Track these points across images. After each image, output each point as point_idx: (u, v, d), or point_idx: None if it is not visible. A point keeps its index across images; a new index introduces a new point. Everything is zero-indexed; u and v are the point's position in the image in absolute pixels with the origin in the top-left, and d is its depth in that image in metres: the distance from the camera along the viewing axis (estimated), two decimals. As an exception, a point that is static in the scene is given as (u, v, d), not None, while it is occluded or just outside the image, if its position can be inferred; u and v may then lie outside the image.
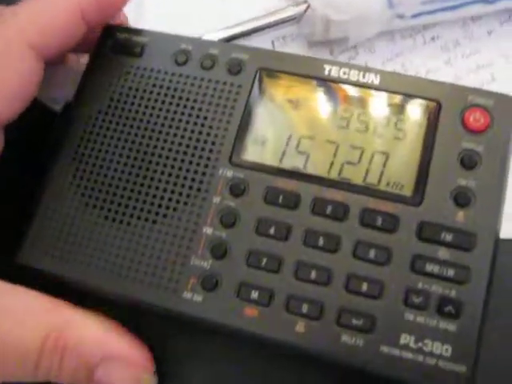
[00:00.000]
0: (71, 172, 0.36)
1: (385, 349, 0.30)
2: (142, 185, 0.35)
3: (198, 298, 0.32)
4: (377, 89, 0.35)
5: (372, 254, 0.32)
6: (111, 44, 0.38)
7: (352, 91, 0.35)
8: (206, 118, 0.35)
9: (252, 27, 0.40)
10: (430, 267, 0.31)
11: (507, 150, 0.33)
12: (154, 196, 0.34)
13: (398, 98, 0.34)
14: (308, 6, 0.39)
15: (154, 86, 0.36)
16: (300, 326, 0.31)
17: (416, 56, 0.41)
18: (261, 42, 0.42)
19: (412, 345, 0.30)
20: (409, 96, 0.34)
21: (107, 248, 0.34)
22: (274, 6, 0.41)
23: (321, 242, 0.32)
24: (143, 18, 0.43)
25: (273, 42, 0.43)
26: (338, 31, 0.39)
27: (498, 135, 0.33)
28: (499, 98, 0.34)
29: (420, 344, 0.30)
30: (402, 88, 0.34)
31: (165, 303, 0.33)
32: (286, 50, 0.42)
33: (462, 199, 0.32)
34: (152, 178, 0.35)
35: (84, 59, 0.41)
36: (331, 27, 0.39)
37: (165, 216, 0.34)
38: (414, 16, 0.39)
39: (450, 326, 0.30)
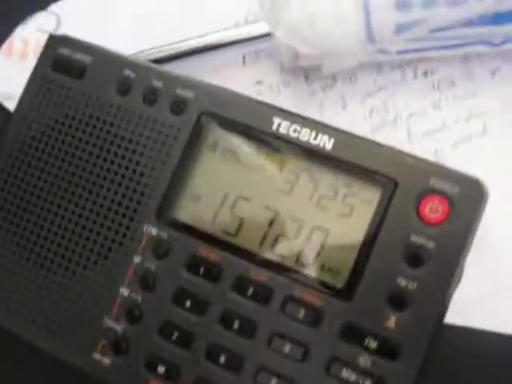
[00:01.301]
0: (-1, 202, 0.34)
1: None
2: (65, 229, 0.33)
3: (107, 361, 0.31)
4: (328, 155, 0.30)
5: (287, 347, 0.29)
6: (52, 59, 0.34)
7: (301, 153, 0.31)
8: (138, 162, 0.32)
9: (212, 42, 0.36)
10: (347, 374, 0.28)
11: (462, 248, 0.28)
12: (77, 244, 0.32)
13: (349, 169, 0.30)
14: (270, 35, 0.34)
15: (90, 117, 0.33)
16: (203, 411, 0.30)
17: (401, 92, 0.35)
18: (230, 55, 0.37)
19: None
20: (362, 168, 0.30)
21: (25, 292, 0.33)
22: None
23: (236, 324, 0.30)
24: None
25: (244, 57, 0.38)
26: (308, 61, 0.34)
27: (454, 230, 0.28)
28: (467, 184, 0.29)
29: None
30: (357, 157, 0.30)
31: (74, 360, 0.32)
32: (257, 68, 0.37)
33: (397, 302, 0.28)
34: (76, 224, 0.32)
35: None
36: (300, 58, 0.34)
37: (84, 268, 0.32)
38: (400, 52, 0.33)
39: None
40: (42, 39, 0.38)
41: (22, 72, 0.40)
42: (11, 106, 0.40)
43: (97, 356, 0.31)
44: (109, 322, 0.31)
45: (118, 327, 0.31)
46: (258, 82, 0.37)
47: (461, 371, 0.33)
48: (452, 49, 0.33)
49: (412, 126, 0.35)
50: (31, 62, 0.39)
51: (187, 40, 0.37)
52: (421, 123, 0.35)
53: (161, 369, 0.30)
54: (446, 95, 0.35)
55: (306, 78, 0.37)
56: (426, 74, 0.36)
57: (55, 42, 0.35)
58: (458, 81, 0.35)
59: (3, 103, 0.40)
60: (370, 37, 0.32)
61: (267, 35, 0.34)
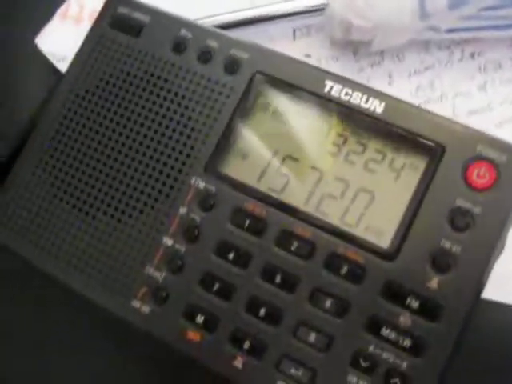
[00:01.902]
0: (49, 151, 0.35)
1: (319, 406, 0.29)
2: (114, 178, 0.33)
3: (146, 309, 0.31)
4: (378, 118, 0.31)
5: (328, 303, 0.29)
6: (111, 18, 0.36)
7: (351, 115, 0.31)
8: (190, 117, 0.33)
9: (265, 13, 0.37)
10: (387, 332, 0.29)
11: (507, 215, 0.29)
12: (124, 193, 0.33)
13: (398, 133, 0.30)
14: (326, 6, 0.34)
15: (145, 72, 0.34)
16: (238, 362, 0.30)
17: (448, 73, 0.36)
18: (281, 28, 0.38)
19: (348, 409, 0.28)
20: (411, 133, 0.30)
21: (69, 238, 0.33)
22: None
23: (278, 278, 0.30)
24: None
25: (294, 31, 0.39)
26: (359, 35, 0.35)
27: (500, 197, 0.29)
28: (515, 152, 0.29)
29: (357, 410, 0.28)
30: (406, 122, 0.30)
31: (112, 307, 0.32)
32: (307, 43, 0.38)
33: (440, 264, 0.29)
34: (125, 173, 0.33)
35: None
36: (352, 30, 0.35)
37: (130, 216, 0.33)
38: (450, 31, 0.34)
39: (393, 400, 0.28)
40: (98, 5, 0.39)
41: (76, 36, 0.41)
42: (63, 68, 0.41)
43: (136, 304, 0.32)
44: (150, 271, 0.32)
45: (159, 276, 0.32)
46: (307, 55, 0.38)
47: (495, 347, 0.33)
48: (501, 29, 0.34)
49: (457, 105, 0.35)
50: (86, 26, 0.40)
51: (239, 11, 0.38)
52: (466, 103, 0.36)
53: (199, 319, 0.31)
54: (492, 78, 0.36)
55: (355, 54, 0.38)
56: (473, 55, 0.36)
57: (113, 1, 0.36)
58: (505, 64, 0.36)
59: (56, 65, 0.41)
60: (423, 10, 0.33)
61: (322, 8, 0.35)
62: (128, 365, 0.36)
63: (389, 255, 0.29)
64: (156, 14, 0.35)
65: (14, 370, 0.37)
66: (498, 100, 0.35)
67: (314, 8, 0.36)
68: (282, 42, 0.39)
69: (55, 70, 0.41)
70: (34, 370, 0.36)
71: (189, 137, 0.33)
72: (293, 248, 0.30)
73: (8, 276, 0.38)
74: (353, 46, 0.38)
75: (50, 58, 0.41)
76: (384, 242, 0.30)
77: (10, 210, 0.34)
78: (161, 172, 0.33)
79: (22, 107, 0.41)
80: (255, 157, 0.32)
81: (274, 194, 0.31)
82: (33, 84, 0.42)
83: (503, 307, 0.34)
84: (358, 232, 0.30)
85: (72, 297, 0.32)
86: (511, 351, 0.34)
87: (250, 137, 0.32)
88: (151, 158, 0.33)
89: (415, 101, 0.36)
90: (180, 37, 0.34)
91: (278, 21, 0.38)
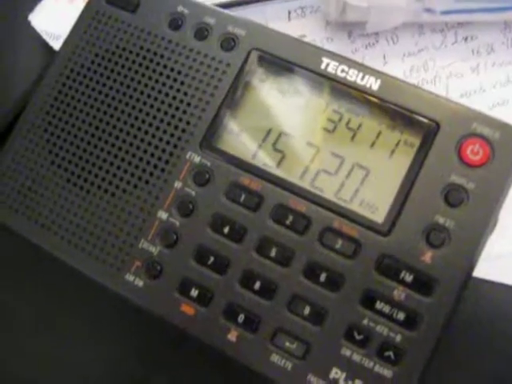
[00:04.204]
0: (43, 125, 0.34)
1: (312, 379, 0.29)
2: (108, 152, 0.33)
3: (139, 282, 0.31)
4: (374, 95, 0.31)
5: (323, 277, 0.29)
6: (107, -7, 0.35)
7: (347, 92, 0.31)
8: (186, 93, 0.33)
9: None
10: (381, 305, 0.29)
11: (501, 192, 0.29)
12: (118, 167, 0.33)
13: (394, 110, 0.31)
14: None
15: (141, 48, 0.34)
16: (232, 336, 0.30)
17: (441, 55, 0.37)
18: (276, 9, 0.38)
19: (341, 382, 0.29)
20: (406, 110, 0.31)
21: (63, 212, 0.33)
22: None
23: (273, 252, 0.30)
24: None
25: (289, 12, 0.39)
26: (354, 16, 0.35)
27: (494, 173, 0.29)
28: (508, 131, 0.30)
29: (350, 383, 0.29)
30: (401, 99, 0.31)
31: (106, 281, 0.32)
32: (302, 24, 0.39)
33: (434, 239, 0.29)
34: (120, 148, 0.33)
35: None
36: (347, 10, 0.35)
37: (124, 191, 0.32)
38: (445, 13, 0.34)
39: (386, 372, 0.28)
40: (92, -17, 0.39)
41: (69, 14, 0.40)
42: (57, 46, 0.41)
43: (130, 277, 0.31)
44: (145, 244, 0.32)
45: (154, 250, 0.31)
46: (302, 36, 0.38)
47: (490, 325, 0.34)
48: (495, 12, 0.34)
49: (450, 86, 0.36)
50: (80, 4, 0.40)
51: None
52: (459, 85, 0.36)
53: (194, 292, 0.31)
54: (485, 60, 0.36)
55: (349, 35, 0.38)
56: (466, 39, 0.37)
57: (111, -24, 0.36)
58: (498, 48, 0.36)
59: (50, 43, 0.41)
60: (419, -7, 0.33)
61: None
62: (122, 339, 0.36)
63: (383, 230, 0.29)
64: (153, -10, 0.35)
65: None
66: (491, 83, 0.36)
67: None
68: (277, 24, 0.39)
69: (49, 49, 0.41)
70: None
71: (185, 112, 0.33)
72: (288, 222, 0.30)
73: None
74: (347, 27, 0.38)
75: (43, 36, 0.41)
76: (378, 216, 0.30)
77: (2, 184, 0.34)
78: (156, 147, 0.32)
79: (15, 84, 0.41)
80: (251, 133, 0.32)
81: (269, 169, 0.31)
82: (26, 62, 0.41)
83: (496, 286, 0.34)
84: (353, 207, 0.30)
85: (65, 269, 0.32)
86: (501, 328, 0.34)
87: (246, 113, 0.32)
88: (146, 132, 0.33)
89: (409, 81, 0.36)
90: (177, 13, 0.34)
91: (274, 2, 0.38)
